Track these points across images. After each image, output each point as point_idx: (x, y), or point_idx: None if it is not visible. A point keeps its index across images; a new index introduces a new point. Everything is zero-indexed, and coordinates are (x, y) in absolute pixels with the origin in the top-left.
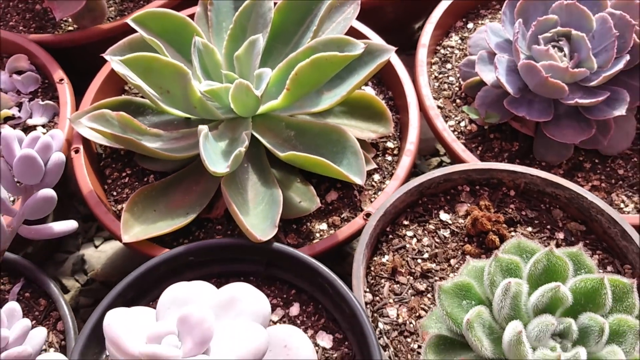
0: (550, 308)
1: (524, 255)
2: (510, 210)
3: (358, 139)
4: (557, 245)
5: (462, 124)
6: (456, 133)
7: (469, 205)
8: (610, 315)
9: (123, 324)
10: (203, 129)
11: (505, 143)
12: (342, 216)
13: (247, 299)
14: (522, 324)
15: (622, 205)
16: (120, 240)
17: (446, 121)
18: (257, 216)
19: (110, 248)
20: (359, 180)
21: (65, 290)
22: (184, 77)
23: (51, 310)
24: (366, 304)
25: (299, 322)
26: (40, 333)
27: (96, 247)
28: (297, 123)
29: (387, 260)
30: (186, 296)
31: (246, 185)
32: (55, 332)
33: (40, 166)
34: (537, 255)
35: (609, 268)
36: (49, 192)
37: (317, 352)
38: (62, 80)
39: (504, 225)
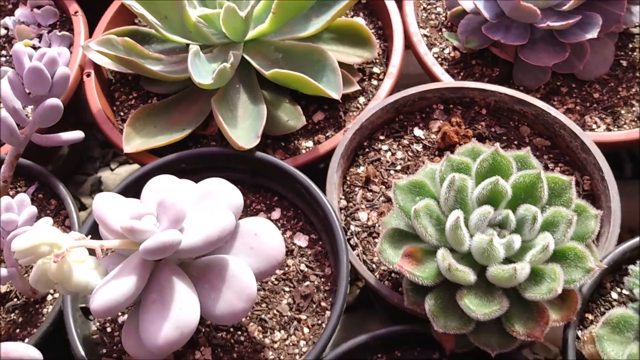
0: (492, 201)
1: (476, 158)
2: (480, 127)
3: (345, 63)
4: None
5: (446, 51)
6: (440, 59)
7: (441, 122)
8: (548, 208)
9: (109, 205)
10: (193, 47)
11: (486, 69)
12: (327, 134)
13: (221, 191)
14: (463, 213)
15: (594, 126)
16: (122, 152)
17: (430, 48)
18: (245, 129)
19: (124, 171)
20: (335, 94)
21: (83, 207)
22: (179, 3)
23: (60, 209)
24: (341, 209)
25: (279, 224)
26: (47, 221)
27: (112, 170)
28: (284, 46)
29: (361, 171)
30: (166, 186)
31: (237, 103)
32: (64, 228)
33: (47, 77)
34: (483, 155)
35: None
36: (56, 101)
37: (293, 250)
38: (76, 12)
39: (473, 139)
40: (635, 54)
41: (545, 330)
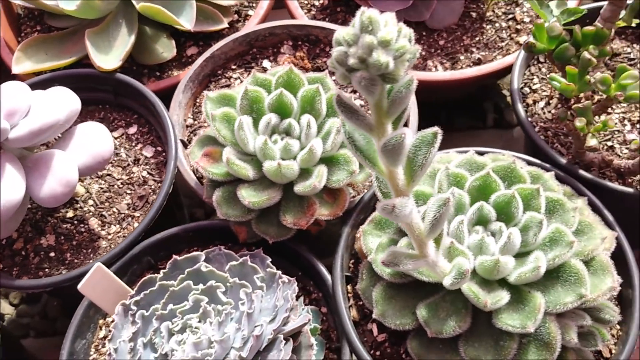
0: (283, 111)
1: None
2: (321, 61)
3: (218, 4)
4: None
5: None
6: (309, 6)
7: (288, 55)
8: (328, 120)
9: None
10: None
11: (348, 15)
12: None
13: (62, 97)
14: (251, 119)
15: (433, 69)
16: (11, 72)
17: None
18: (115, 55)
19: None
20: (187, 25)
21: None
22: None
23: None
24: (187, 126)
25: (134, 138)
26: None
27: None
28: None
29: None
30: (12, 89)
31: (117, 36)
32: None
33: None
34: (279, 72)
35: None
36: None
37: (140, 160)
38: None
39: (310, 72)
40: (485, 6)
41: (311, 220)
